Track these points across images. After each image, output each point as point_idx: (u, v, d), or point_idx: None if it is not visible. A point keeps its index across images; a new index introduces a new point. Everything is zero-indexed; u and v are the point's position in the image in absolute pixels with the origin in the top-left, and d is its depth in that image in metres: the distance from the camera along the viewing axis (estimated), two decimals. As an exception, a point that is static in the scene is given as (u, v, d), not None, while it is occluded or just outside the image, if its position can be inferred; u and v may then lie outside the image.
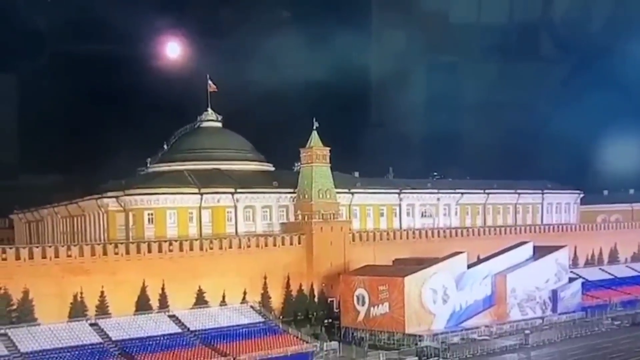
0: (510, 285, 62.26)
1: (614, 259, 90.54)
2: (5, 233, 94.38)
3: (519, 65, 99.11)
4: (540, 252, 67.13)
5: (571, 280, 69.22)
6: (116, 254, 54.87)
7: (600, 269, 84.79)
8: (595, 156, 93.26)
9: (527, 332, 58.43)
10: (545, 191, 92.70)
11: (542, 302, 65.21)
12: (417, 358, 51.82)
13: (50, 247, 53.72)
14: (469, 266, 60.87)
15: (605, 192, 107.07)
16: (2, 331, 47.15)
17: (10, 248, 52.25)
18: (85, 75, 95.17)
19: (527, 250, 67.03)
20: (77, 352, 46.83)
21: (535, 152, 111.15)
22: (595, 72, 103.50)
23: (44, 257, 51.79)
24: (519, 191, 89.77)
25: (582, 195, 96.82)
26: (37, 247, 53.43)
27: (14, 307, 49.37)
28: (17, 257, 50.81)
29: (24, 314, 49.21)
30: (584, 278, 74.16)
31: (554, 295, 65.99)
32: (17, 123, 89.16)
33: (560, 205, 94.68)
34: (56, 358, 45.88)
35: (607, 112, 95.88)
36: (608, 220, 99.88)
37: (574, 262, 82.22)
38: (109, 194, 65.38)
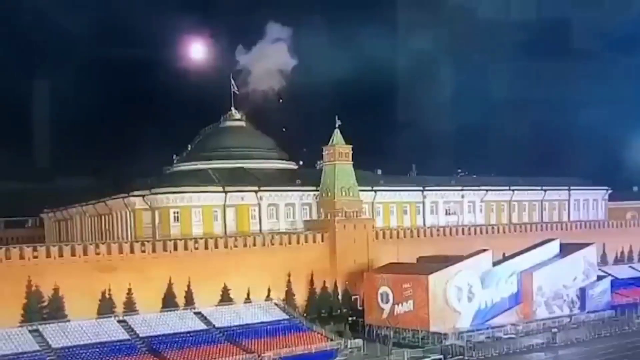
0: (536, 283, 61.47)
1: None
2: (36, 232, 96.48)
3: (545, 61, 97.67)
4: (567, 249, 66.07)
5: (600, 278, 68.01)
6: (143, 251, 55.64)
7: (630, 266, 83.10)
8: (624, 152, 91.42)
9: (554, 330, 57.68)
10: (572, 188, 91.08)
11: (569, 300, 64.21)
12: (442, 356, 51.54)
13: (79, 245, 54.70)
14: (495, 264, 60.25)
15: (635, 188, 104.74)
16: (34, 327, 48.37)
17: (41, 246, 53.38)
18: (112, 77, 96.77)
19: (553, 247, 66.03)
20: (105, 348, 47.77)
21: (561, 148, 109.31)
22: (623, 67, 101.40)
23: (73, 255, 52.75)
24: (545, 188, 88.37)
25: (610, 192, 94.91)
26: (67, 245, 54.49)
27: (45, 303, 50.46)
28: (48, 255, 51.86)
29: (55, 311, 50.32)
30: (613, 276, 72.82)
31: (582, 294, 64.95)
32: (48, 125, 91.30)
33: (588, 202, 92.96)
34: (85, 354, 46.91)
35: (635, 107, 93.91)
36: (638, 217, 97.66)
37: (603, 260, 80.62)
38: (136, 192, 66.36)
